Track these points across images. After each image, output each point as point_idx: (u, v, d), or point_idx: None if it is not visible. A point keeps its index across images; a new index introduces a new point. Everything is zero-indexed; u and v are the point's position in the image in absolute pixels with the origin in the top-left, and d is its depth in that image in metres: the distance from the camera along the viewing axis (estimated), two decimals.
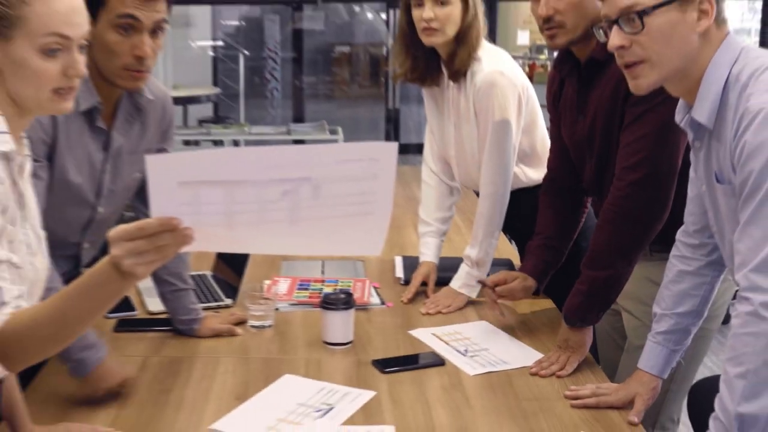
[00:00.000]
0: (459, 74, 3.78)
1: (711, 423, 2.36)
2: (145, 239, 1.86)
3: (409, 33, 3.79)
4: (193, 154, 1.82)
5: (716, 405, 2.35)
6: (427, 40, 3.70)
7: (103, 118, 3.06)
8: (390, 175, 1.94)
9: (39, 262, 2.37)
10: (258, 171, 1.85)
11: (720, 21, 2.48)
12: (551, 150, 3.67)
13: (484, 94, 3.71)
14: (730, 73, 2.44)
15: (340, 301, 3.34)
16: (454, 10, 3.64)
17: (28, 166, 2.41)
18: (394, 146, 1.93)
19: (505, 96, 3.68)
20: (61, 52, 2.23)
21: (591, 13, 3.11)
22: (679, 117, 2.66)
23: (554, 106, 3.53)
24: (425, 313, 3.71)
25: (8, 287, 2.09)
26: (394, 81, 4.05)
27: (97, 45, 2.87)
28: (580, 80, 3.28)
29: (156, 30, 2.93)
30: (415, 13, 3.68)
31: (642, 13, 2.43)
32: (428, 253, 4.09)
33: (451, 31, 3.67)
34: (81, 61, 2.28)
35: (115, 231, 1.87)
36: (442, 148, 4.16)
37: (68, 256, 3.18)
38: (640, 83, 2.54)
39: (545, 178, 3.70)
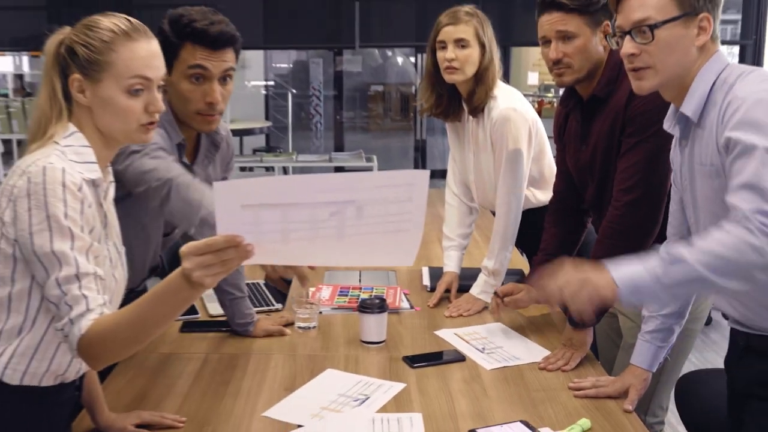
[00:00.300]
0: (477, 110, 3.80)
1: (655, 259, 2.28)
2: (213, 254, 1.88)
3: (434, 73, 3.83)
4: (255, 181, 1.84)
5: (667, 250, 2.27)
6: (449, 77, 3.74)
7: (187, 156, 3.08)
8: (422, 198, 1.96)
9: (119, 274, 2.40)
10: (310, 195, 1.87)
11: (714, 37, 2.52)
12: (557, 175, 3.68)
13: (500, 127, 3.73)
14: (718, 77, 2.47)
15: (375, 305, 3.34)
16: (473, 52, 3.69)
17: (111, 191, 2.43)
18: (426, 174, 1.96)
19: (518, 129, 3.70)
20: (143, 92, 2.27)
21: (594, 55, 3.15)
22: (667, 124, 2.67)
23: (560, 137, 3.54)
24: (448, 316, 3.71)
25: (94, 296, 2.12)
26: (421, 115, 4.07)
27: (173, 92, 2.89)
28: (583, 114, 3.29)
29: (225, 77, 2.94)
30: (440, 54, 3.73)
31: (653, 27, 2.47)
32: (451, 264, 4.09)
33: (470, 70, 3.70)
34: (160, 98, 2.32)
35: (187, 247, 1.89)
36: (463, 174, 4.17)
37: (152, 267, 3.21)
38: (643, 85, 2.57)
39: (551, 200, 3.71)
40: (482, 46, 3.71)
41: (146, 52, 2.29)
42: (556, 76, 3.27)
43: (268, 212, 1.87)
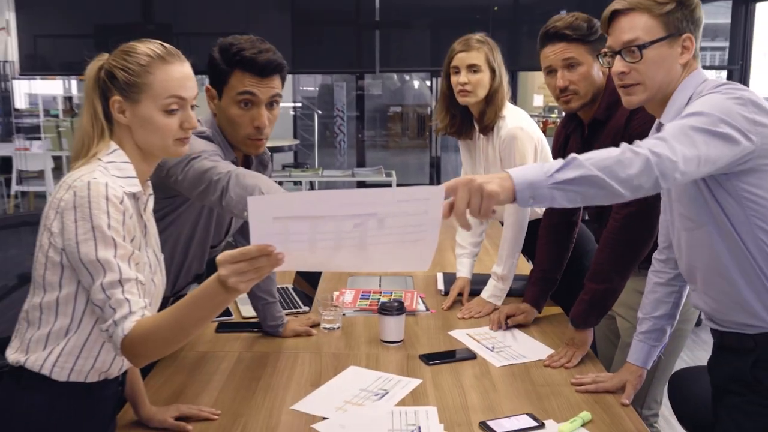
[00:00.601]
0: (488, 129, 3.84)
1: (553, 162, 2.23)
2: (246, 262, 1.89)
3: (448, 95, 3.87)
4: (285, 196, 1.88)
5: (588, 157, 2.23)
6: (462, 99, 3.78)
7: None
8: (438, 211, 1.98)
9: (158, 279, 2.41)
10: (336, 209, 1.89)
11: (695, 56, 2.56)
12: None
13: (508, 144, 3.75)
14: (694, 91, 2.50)
15: (393, 308, 3.35)
16: (484, 77, 3.73)
17: (150, 203, 2.45)
18: (441, 190, 1.99)
19: (524, 146, 3.71)
20: (178, 111, 2.29)
21: (596, 81, 3.18)
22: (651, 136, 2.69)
23: (558, 156, 3.54)
24: (461, 317, 3.71)
25: (136, 300, 2.13)
26: (437, 134, 4.10)
27: (222, 117, 2.90)
28: (584, 136, 3.30)
29: (272, 102, 2.93)
30: (453, 78, 3.78)
31: (641, 47, 2.50)
32: (463, 270, 4.10)
33: (482, 93, 3.73)
34: (194, 116, 2.34)
35: (222, 255, 1.91)
36: None
37: (198, 275, 3.22)
38: (632, 99, 2.60)
39: (544, 215, 3.72)
40: (492, 70, 3.75)
41: (180, 74, 2.31)
42: (563, 103, 3.28)
43: (297, 224, 1.88)
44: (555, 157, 3.59)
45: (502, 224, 4.01)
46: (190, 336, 2.13)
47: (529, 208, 3.84)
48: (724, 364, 2.62)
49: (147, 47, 2.29)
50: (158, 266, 2.45)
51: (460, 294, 3.96)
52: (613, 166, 2.17)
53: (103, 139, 2.29)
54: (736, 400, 2.53)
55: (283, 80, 2.97)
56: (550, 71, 3.27)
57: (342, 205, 1.90)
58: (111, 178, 2.20)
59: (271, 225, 1.87)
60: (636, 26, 2.52)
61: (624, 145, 2.23)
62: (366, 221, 1.92)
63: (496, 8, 8.65)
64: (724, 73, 8.93)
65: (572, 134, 3.41)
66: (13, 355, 2.31)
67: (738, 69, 8.32)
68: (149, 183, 2.45)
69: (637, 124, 3.04)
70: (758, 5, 8.17)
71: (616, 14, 2.59)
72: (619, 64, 2.56)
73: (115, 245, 2.14)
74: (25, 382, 2.28)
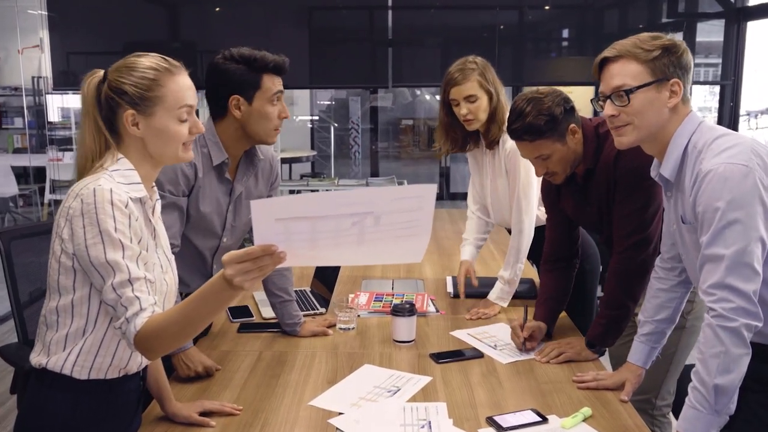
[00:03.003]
0: (494, 143, 3.87)
1: (690, 392, 2.37)
2: (251, 261, 1.91)
3: (448, 121, 3.89)
4: (286, 198, 1.88)
5: (694, 378, 2.37)
6: (468, 127, 3.81)
7: (229, 173, 3.13)
8: (430, 207, 2.00)
9: (169, 278, 2.42)
10: (334, 209, 1.90)
11: (685, 100, 2.54)
12: (549, 227, 3.58)
13: (513, 157, 3.76)
14: (689, 141, 2.51)
15: (405, 309, 3.36)
16: (482, 102, 3.74)
17: (158, 207, 2.46)
18: (433, 187, 1.99)
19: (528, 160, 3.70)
20: (188, 117, 2.30)
21: (573, 153, 3.13)
22: (653, 173, 2.71)
23: (550, 200, 3.50)
24: (469, 318, 3.72)
25: (146, 297, 2.14)
26: (438, 157, 4.08)
27: (254, 117, 3.04)
28: (578, 186, 3.27)
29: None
30: (456, 110, 3.79)
31: (628, 92, 2.51)
32: (465, 254, 4.19)
33: (484, 116, 3.76)
34: (199, 121, 2.36)
35: (228, 256, 1.92)
36: (481, 197, 4.20)
37: (203, 274, 3.24)
38: (623, 140, 2.61)
39: (546, 249, 3.60)
40: (488, 93, 3.74)
41: (187, 84, 2.33)
42: (553, 181, 3.26)
43: (297, 224, 1.90)
44: (544, 197, 3.54)
45: (509, 231, 4.01)
46: (198, 330, 2.13)
47: (535, 215, 3.84)
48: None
49: (150, 61, 2.30)
50: (169, 266, 2.45)
51: (469, 296, 3.97)
52: (729, 364, 2.32)
53: (109, 151, 2.30)
54: (758, 397, 2.53)
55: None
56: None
57: (340, 205, 1.91)
58: (116, 184, 2.20)
59: (273, 226, 1.89)
60: (624, 72, 2.53)
61: (709, 328, 2.36)
62: (363, 219, 1.94)
63: (502, 27, 8.66)
64: (717, 89, 8.90)
65: (564, 187, 3.36)
66: (36, 357, 2.33)
67: (730, 84, 8.30)
68: (155, 189, 2.46)
69: (625, 162, 3.01)
70: (749, 24, 8.16)
71: (606, 61, 2.60)
72: (609, 108, 2.58)
73: (123, 247, 2.15)
74: (49, 383, 2.30)
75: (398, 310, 3.37)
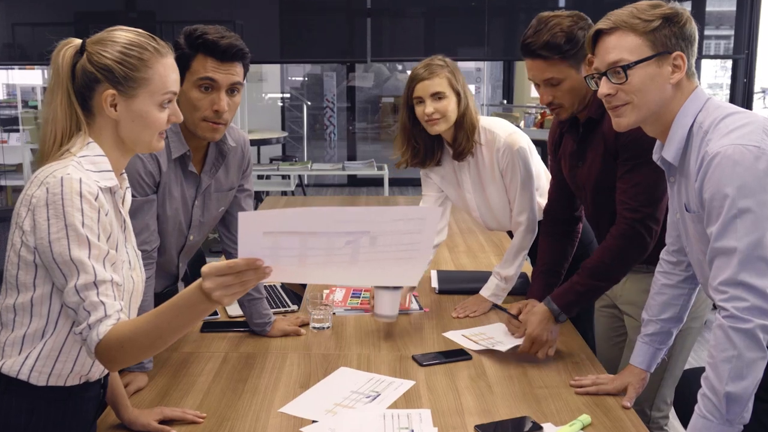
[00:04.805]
0: (462, 155, 3.79)
1: (700, 399, 2.36)
2: (233, 275, 1.91)
3: (410, 127, 3.78)
4: (277, 212, 1.89)
5: (704, 384, 2.36)
6: (432, 129, 3.68)
7: (194, 164, 3.11)
8: (432, 231, 2.05)
9: (136, 276, 2.40)
10: (328, 226, 1.93)
11: (690, 74, 2.53)
12: (551, 184, 3.68)
13: (508, 155, 3.73)
14: (694, 120, 2.49)
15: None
16: (450, 102, 3.64)
17: (128, 196, 2.44)
18: (438, 211, 2.06)
19: (523, 149, 3.71)
20: (170, 104, 2.29)
21: (583, 89, 3.12)
22: (655, 156, 2.70)
23: (554, 150, 3.56)
24: (456, 317, 3.71)
25: (111, 303, 2.13)
26: (398, 167, 3.96)
27: (182, 101, 2.92)
28: (580, 135, 3.28)
29: (232, 89, 2.98)
30: (418, 109, 3.67)
31: (626, 68, 2.49)
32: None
33: (452, 117, 3.67)
34: (179, 110, 2.34)
35: (209, 267, 1.92)
36: (464, 208, 4.14)
37: (168, 274, 3.23)
38: (621, 122, 2.59)
39: (545, 210, 3.70)
40: (457, 94, 3.68)
41: (172, 68, 2.32)
42: (554, 115, 3.28)
43: (287, 238, 1.92)
44: (551, 150, 3.60)
45: (510, 234, 4.02)
46: (167, 344, 2.12)
47: (536, 209, 3.84)
48: None
49: (138, 38, 2.28)
50: (137, 262, 2.44)
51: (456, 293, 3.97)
52: (742, 369, 2.31)
53: (79, 132, 2.27)
54: (765, 406, 2.53)
55: (245, 69, 3.04)
56: (535, 84, 3.26)
57: (334, 222, 1.93)
58: (85, 173, 2.18)
59: (260, 239, 1.90)
60: (621, 46, 2.51)
61: (721, 329, 2.34)
62: (358, 239, 1.96)
63: None
64: (729, 63, 8.93)
65: (567, 133, 3.40)
66: None
67: (743, 58, 8.32)
68: (125, 176, 2.44)
69: (628, 132, 3.03)
70: None
71: (600, 34, 2.58)
72: (604, 86, 2.56)
73: (89, 245, 2.12)
74: (3, 387, 2.27)
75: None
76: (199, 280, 1.97)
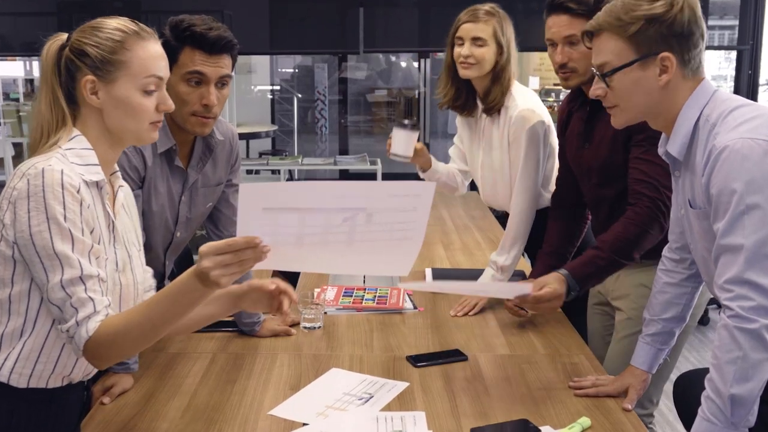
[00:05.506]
0: (492, 110, 3.87)
1: (704, 402, 2.37)
2: (232, 254, 1.93)
3: (452, 67, 3.91)
4: (278, 185, 1.95)
5: (708, 386, 2.36)
6: (463, 72, 3.81)
7: (181, 158, 3.10)
8: (426, 208, 2.09)
9: (125, 278, 2.39)
10: (327, 201, 1.98)
11: (693, 70, 2.52)
12: (559, 169, 3.72)
13: (518, 127, 3.77)
14: (701, 114, 2.49)
15: (409, 124, 3.67)
16: (489, 51, 3.76)
17: (121, 194, 2.43)
18: (432, 186, 2.08)
19: (535, 130, 3.74)
20: (155, 91, 2.29)
21: None
22: (660, 150, 2.69)
23: (562, 133, 3.59)
24: (454, 315, 3.70)
25: (100, 298, 2.13)
26: (440, 108, 4.14)
27: (170, 95, 2.91)
28: (588, 114, 3.30)
29: (221, 83, 2.99)
30: (456, 50, 3.81)
31: (605, 75, 2.53)
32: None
33: (485, 68, 3.76)
34: (169, 98, 2.33)
35: (207, 247, 1.94)
36: (471, 168, 4.21)
37: (155, 272, 3.23)
38: (614, 121, 2.64)
39: (554, 194, 3.74)
40: (499, 45, 3.76)
41: (157, 52, 2.32)
42: (562, 80, 3.31)
43: (286, 216, 1.96)
44: (559, 133, 3.65)
45: (493, 211, 4.03)
46: (159, 335, 2.13)
47: (537, 193, 3.83)
48: None
49: (118, 22, 2.29)
50: (128, 264, 2.43)
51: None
52: (747, 371, 2.30)
53: (65, 125, 2.27)
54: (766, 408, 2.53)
55: (233, 60, 3.04)
56: (552, 44, 3.29)
57: (334, 196, 1.98)
58: (69, 165, 2.18)
59: (259, 216, 1.93)
60: (605, 49, 2.54)
61: (725, 330, 2.33)
62: (355, 215, 2.01)
63: None
64: (733, 54, 8.93)
65: (576, 112, 3.42)
66: None
67: (748, 49, 8.33)
68: (119, 174, 2.44)
69: None
70: None
71: (587, 35, 2.62)
72: (595, 87, 2.60)
73: (72, 239, 2.12)
74: None
75: (400, 123, 3.69)
76: (193, 267, 1.97)
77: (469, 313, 3.71)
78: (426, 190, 2.06)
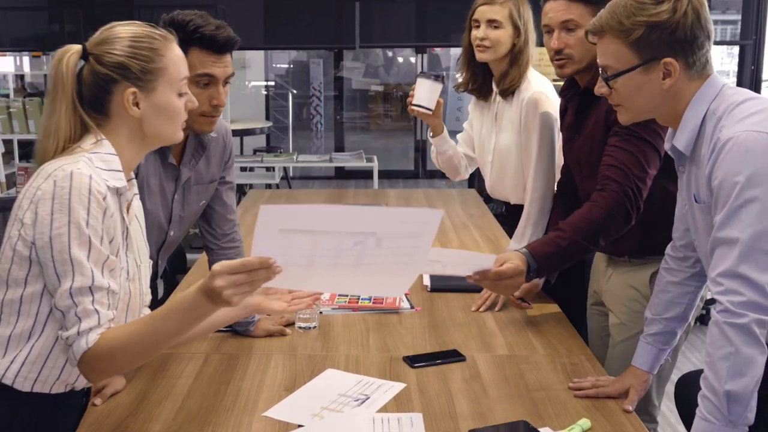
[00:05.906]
0: (508, 92, 3.93)
1: (700, 401, 2.37)
2: (246, 274, 1.94)
3: (470, 50, 3.97)
4: (298, 208, 2.03)
5: (703, 385, 2.37)
6: (479, 56, 3.88)
7: (173, 155, 3.10)
8: (431, 235, 2.17)
9: (135, 288, 2.39)
10: (340, 224, 2.04)
11: (699, 71, 2.52)
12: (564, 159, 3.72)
13: (532, 110, 3.83)
14: (708, 108, 2.49)
15: (433, 75, 3.74)
16: (505, 34, 3.83)
17: (135, 202, 2.44)
18: (440, 214, 2.15)
19: (549, 114, 3.77)
20: (187, 93, 2.31)
21: (593, 48, 3.13)
22: (667, 145, 2.70)
23: (562, 124, 3.62)
24: (475, 310, 3.68)
25: (105, 312, 2.14)
26: (456, 90, 4.24)
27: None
28: (579, 105, 3.32)
29: (226, 81, 3.01)
30: (473, 33, 3.87)
31: (608, 79, 2.55)
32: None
33: (501, 51, 3.84)
34: (192, 95, 2.36)
35: (220, 266, 1.97)
36: (480, 154, 4.26)
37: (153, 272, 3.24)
38: (621, 118, 2.67)
39: (558, 183, 3.77)
40: (516, 28, 3.82)
41: (181, 54, 2.37)
42: (557, 67, 3.33)
43: (300, 237, 2.00)
44: (561, 125, 3.67)
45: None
46: (160, 350, 2.15)
47: (554, 182, 3.85)
48: None
49: (141, 29, 2.31)
50: (137, 274, 2.43)
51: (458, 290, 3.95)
52: (740, 366, 2.31)
53: (87, 133, 2.28)
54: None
55: (231, 55, 3.06)
56: (549, 30, 3.31)
57: (347, 221, 2.05)
58: (95, 170, 2.19)
59: (275, 237, 1.97)
60: (607, 52, 2.56)
61: (716, 326, 2.35)
62: (366, 239, 2.07)
63: None
64: (736, 49, 8.94)
65: (569, 103, 3.44)
66: None
67: (751, 44, 8.34)
68: (134, 182, 2.45)
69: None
70: None
71: (590, 34, 2.64)
72: (599, 85, 2.63)
73: (90, 246, 2.13)
74: None
75: (425, 74, 3.76)
76: (200, 283, 1.97)
77: (494, 310, 3.68)
78: (433, 218, 2.14)
